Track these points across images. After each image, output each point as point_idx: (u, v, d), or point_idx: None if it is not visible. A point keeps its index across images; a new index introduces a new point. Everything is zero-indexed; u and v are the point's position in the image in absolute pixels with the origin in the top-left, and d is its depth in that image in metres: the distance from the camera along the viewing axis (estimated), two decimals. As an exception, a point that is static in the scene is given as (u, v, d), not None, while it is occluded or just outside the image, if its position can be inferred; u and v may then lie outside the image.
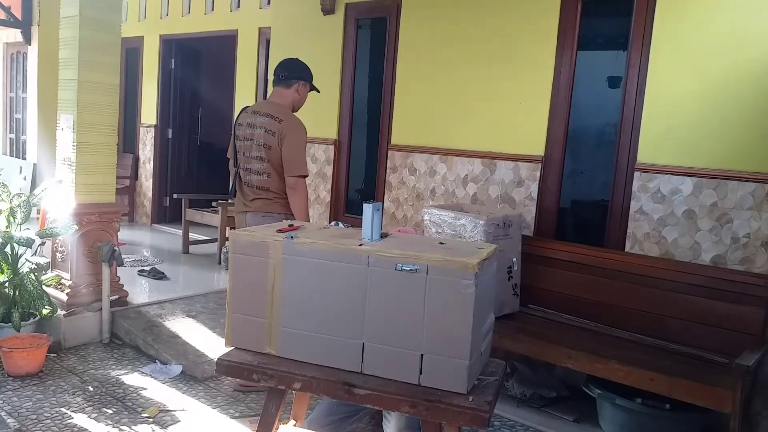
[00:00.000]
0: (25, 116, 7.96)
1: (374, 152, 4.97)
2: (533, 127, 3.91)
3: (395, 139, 4.65)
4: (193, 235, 6.36)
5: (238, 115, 3.47)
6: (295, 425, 2.33)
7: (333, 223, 3.19)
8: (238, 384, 3.37)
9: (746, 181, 3.12)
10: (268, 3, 6.18)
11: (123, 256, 4.10)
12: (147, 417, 3.06)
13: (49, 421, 2.96)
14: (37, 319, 3.73)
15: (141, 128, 7.72)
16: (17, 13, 7.40)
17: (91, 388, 3.34)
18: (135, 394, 3.30)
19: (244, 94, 6.47)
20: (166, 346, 3.80)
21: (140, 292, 4.68)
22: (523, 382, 3.50)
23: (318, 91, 3.56)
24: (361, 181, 5.21)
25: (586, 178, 4.06)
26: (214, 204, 6.12)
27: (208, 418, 3.11)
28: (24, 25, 7.44)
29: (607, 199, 3.70)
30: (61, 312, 3.83)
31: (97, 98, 3.95)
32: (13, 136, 8.35)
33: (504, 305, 3.46)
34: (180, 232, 6.42)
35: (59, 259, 4.08)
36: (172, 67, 7.48)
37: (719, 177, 3.20)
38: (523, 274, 3.56)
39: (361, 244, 1.89)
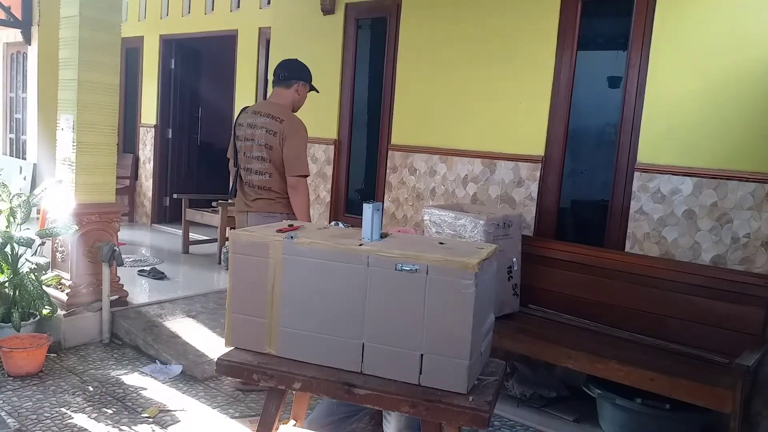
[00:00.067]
0: (25, 116, 7.96)
1: (374, 152, 4.97)
2: (533, 127, 3.91)
3: (395, 139, 4.65)
4: (193, 235, 6.36)
5: (238, 115, 3.47)
6: (295, 425, 2.33)
7: (333, 223, 3.19)
8: (238, 383, 3.37)
9: (746, 181, 3.12)
10: (268, 3, 6.18)
11: (123, 256, 4.10)
12: (147, 417, 3.06)
13: (49, 421, 2.96)
14: (37, 319, 3.73)
15: (141, 128, 7.72)
16: (17, 13, 7.40)
17: (91, 388, 3.34)
18: (135, 394, 3.30)
19: (244, 94, 6.47)
20: (166, 346, 3.80)
21: (140, 292, 4.68)
22: (523, 382, 3.50)
23: (317, 92, 3.57)
24: (361, 181, 5.21)
25: (586, 178, 4.07)
26: (214, 204, 6.12)
27: (208, 418, 3.11)
28: (24, 25, 7.45)
29: (607, 199, 3.70)
30: (61, 312, 3.84)
31: (97, 98, 3.95)
32: (13, 136, 8.35)
33: (504, 305, 3.46)
34: (180, 232, 6.42)
35: (59, 259, 4.08)
36: (172, 67, 7.48)
37: (719, 177, 3.20)
38: (523, 274, 3.56)
39: (361, 244, 1.89)
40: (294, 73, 3.41)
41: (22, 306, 3.66)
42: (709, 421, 3.02)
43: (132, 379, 3.49)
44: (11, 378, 3.39)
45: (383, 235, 2.01)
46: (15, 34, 7.64)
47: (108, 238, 4.02)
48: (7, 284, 3.67)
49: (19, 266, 3.73)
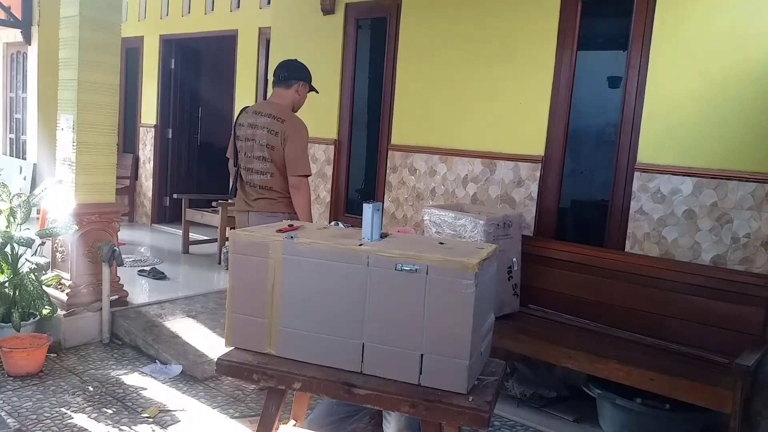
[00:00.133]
0: (25, 116, 7.96)
1: (374, 152, 4.97)
2: (533, 127, 3.91)
3: (395, 139, 4.65)
4: (193, 235, 6.36)
5: (239, 115, 3.47)
6: (295, 425, 2.33)
7: (333, 223, 3.19)
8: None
9: (746, 181, 3.12)
10: (268, 3, 6.18)
11: (123, 256, 4.10)
12: (147, 417, 3.06)
13: (49, 421, 2.96)
14: (37, 319, 3.73)
15: (141, 128, 7.72)
16: (17, 13, 7.40)
17: (91, 388, 3.34)
18: (135, 394, 3.30)
19: (244, 94, 6.47)
20: (166, 346, 3.80)
21: (140, 292, 4.68)
22: (523, 382, 3.50)
23: (317, 92, 3.57)
24: (361, 181, 5.21)
25: (586, 178, 4.07)
26: (214, 204, 6.12)
27: (208, 418, 3.11)
28: (24, 25, 7.44)
29: (607, 199, 3.70)
30: (61, 312, 3.84)
31: (97, 98, 3.95)
32: (13, 136, 8.35)
33: (504, 305, 3.46)
34: (180, 232, 6.42)
35: (59, 259, 4.08)
36: (172, 67, 7.48)
37: (719, 177, 3.20)
38: (523, 274, 3.56)
39: (361, 244, 1.89)
40: (294, 74, 3.42)
41: (22, 306, 3.66)
42: (709, 421, 3.02)
43: (132, 379, 3.49)
44: (11, 378, 3.39)
45: (383, 235, 2.01)
46: (15, 34, 7.64)
47: (108, 238, 4.02)
48: (7, 284, 3.67)
49: (19, 266, 3.73)
